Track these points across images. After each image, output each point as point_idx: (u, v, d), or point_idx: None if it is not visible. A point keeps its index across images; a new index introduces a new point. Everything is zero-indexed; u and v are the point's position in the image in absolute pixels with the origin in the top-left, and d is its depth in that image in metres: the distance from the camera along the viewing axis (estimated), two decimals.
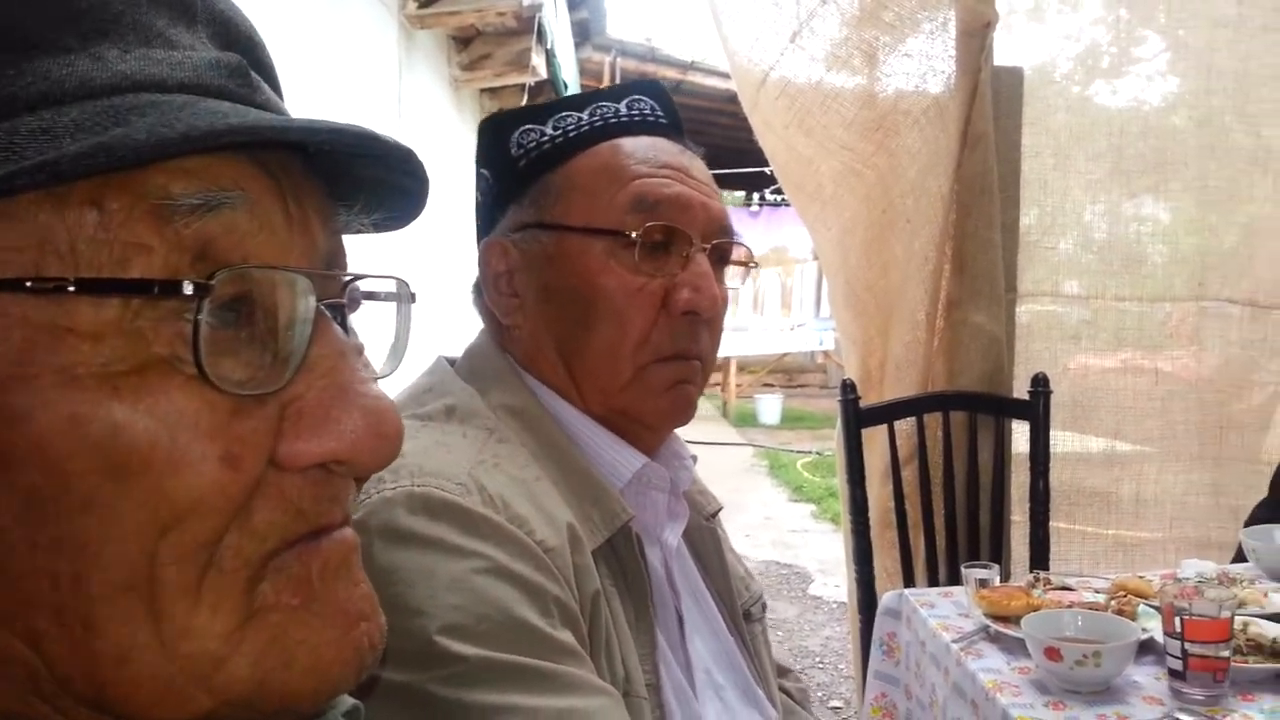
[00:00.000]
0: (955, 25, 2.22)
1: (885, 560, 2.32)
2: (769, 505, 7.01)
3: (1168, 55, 2.60)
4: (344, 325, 0.42)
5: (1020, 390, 2.33)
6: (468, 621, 0.68)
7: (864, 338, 2.45)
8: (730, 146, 9.44)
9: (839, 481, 2.41)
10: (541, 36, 5.25)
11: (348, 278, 0.43)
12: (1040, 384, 2.21)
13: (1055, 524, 2.34)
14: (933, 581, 2.22)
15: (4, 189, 0.32)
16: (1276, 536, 1.77)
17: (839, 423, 2.30)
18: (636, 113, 0.93)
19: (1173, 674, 1.27)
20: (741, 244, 0.95)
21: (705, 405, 12.09)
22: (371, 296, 0.46)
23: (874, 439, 2.30)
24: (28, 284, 0.33)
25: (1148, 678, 1.34)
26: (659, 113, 0.95)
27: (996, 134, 2.29)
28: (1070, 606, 1.46)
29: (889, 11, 2.26)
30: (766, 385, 12.80)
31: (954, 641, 1.49)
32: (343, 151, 0.41)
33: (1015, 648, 1.44)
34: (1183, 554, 2.40)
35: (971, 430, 2.26)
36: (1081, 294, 2.62)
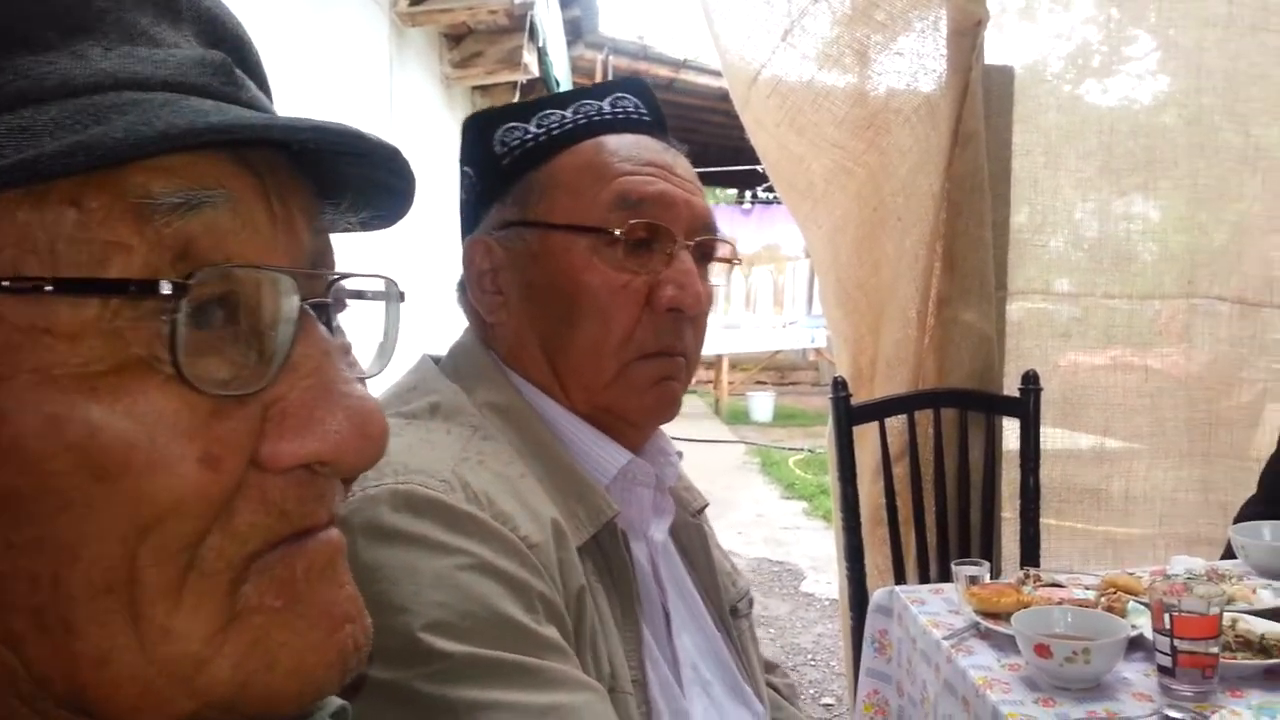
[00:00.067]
0: (946, 24, 2.22)
1: (876, 557, 2.33)
2: (761, 502, 7.02)
3: (1158, 54, 2.61)
4: (330, 325, 0.42)
5: (1011, 388, 2.33)
6: (452, 618, 0.68)
7: (855, 335, 2.45)
8: (723, 144, 9.46)
9: (830, 479, 2.42)
10: (533, 34, 5.24)
11: (333, 277, 0.43)
12: (1031, 381, 2.22)
13: (1045, 521, 2.35)
14: (924, 578, 2.23)
15: None
16: (1265, 533, 1.78)
17: (830, 420, 2.30)
18: (620, 110, 0.93)
19: (1162, 670, 1.28)
20: (725, 240, 0.95)
21: (698, 403, 12.11)
22: (359, 296, 0.46)
23: (865, 436, 2.31)
24: (5, 284, 0.33)
25: (1137, 674, 1.35)
26: (642, 110, 0.95)
27: (987, 132, 2.29)
28: (1060, 603, 1.47)
29: (880, 10, 2.26)
30: (759, 383, 12.82)
31: (945, 638, 1.49)
32: (327, 150, 0.40)
33: (1005, 644, 1.44)
34: (1172, 550, 2.40)
35: (962, 427, 2.27)
36: (1072, 292, 2.63)
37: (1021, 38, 2.55)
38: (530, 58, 5.43)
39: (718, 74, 3.04)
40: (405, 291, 0.48)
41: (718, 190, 14.66)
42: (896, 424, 2.28)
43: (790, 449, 8.90)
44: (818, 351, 12.62)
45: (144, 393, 0.34)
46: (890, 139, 2.28)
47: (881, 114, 2.30)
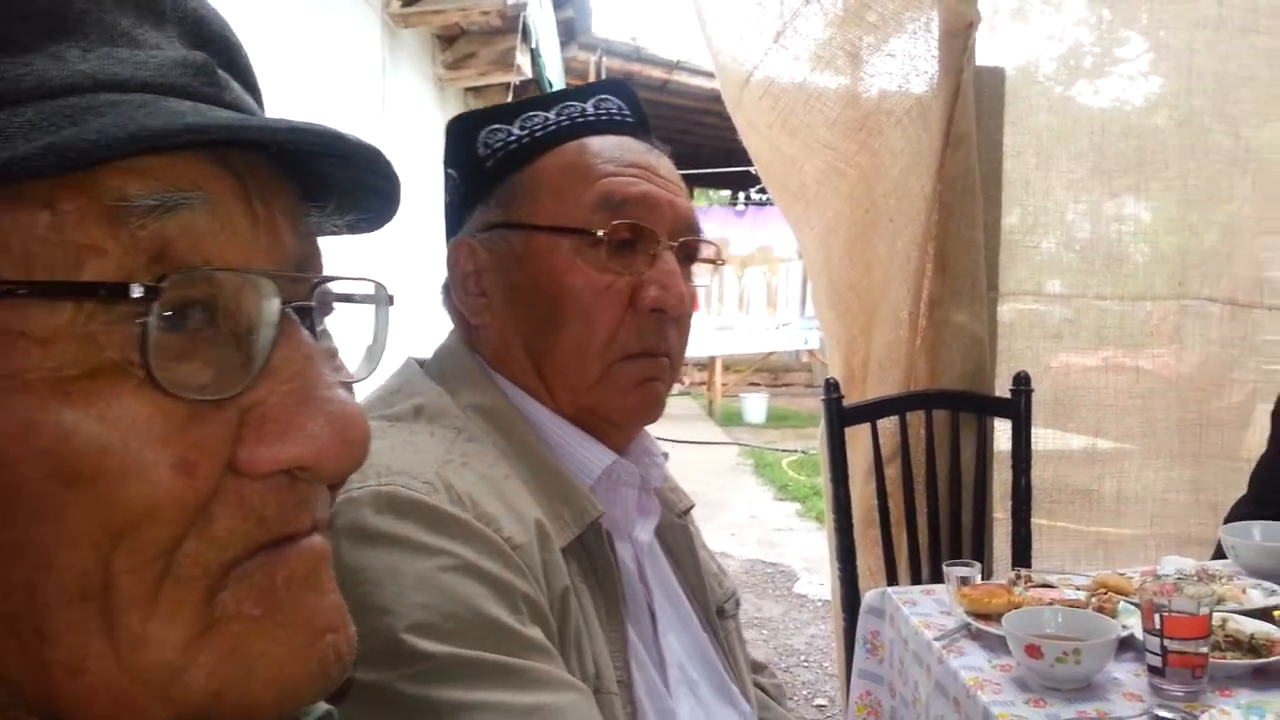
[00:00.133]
0: (938, 25, 2.22)
1: (868, 558, 2.33)
2: (754, 504, 7.01)
3: (1149, 56, 2.62)
4: (313, 329, 0.42)
5: (1002, 389, 2.34)
6: (435, 619, 0.68)
7: (847, 337, 2.45)
8: (716, 146, 9.45)
9: (823, 480, 2.42)
10: (526, 35, 5.23)
11: (317, 280, 0.42)
12: (1022, 382, 2.23)
13: (1037, 521, 2.35)
14: (915, 579, 2.23)
15: None
16: (1255, 533, 1.78)
17: (823, 422, 2.30)
18: (604, 112, 0.93)
19: (1152, 670, 1.28)
20: (708, 241, 0.95)
21: (691, 404, 12.11)
22: (348, 299, 0.45)
23: (857, 438, 2.31)
24: None
25: (1128, 674, 1.35)
26: (626, 112, 0.95)
27: (979, 134, 2.30)
28: (1051, 604, 1.47)
29: (872, 12, 2.26)
30: (752, 384, 12.82)
31: (936, 639, 1.49)
32: (306, 151, 0.40)
33: (996, 645, 1.44)
34: (1163, 551, 2.41)
35: (954, 429, 2.27)
36: (1063, 293, 2.64)
37: (1013, 39, 2.55)
38: (523, 59, 5.42)
39: (711, 75, 3.03)
40: (395, 295, 0.48)
41: (711, 192, 14.66)
42: (889, 425, 2.28)
43: (783, 450, 8.90)
44: (811, 353, 12.63)
45: (117, 397, 0.34)
46: (882, 140, 2.29)
47: (873, 115, 2.30)
